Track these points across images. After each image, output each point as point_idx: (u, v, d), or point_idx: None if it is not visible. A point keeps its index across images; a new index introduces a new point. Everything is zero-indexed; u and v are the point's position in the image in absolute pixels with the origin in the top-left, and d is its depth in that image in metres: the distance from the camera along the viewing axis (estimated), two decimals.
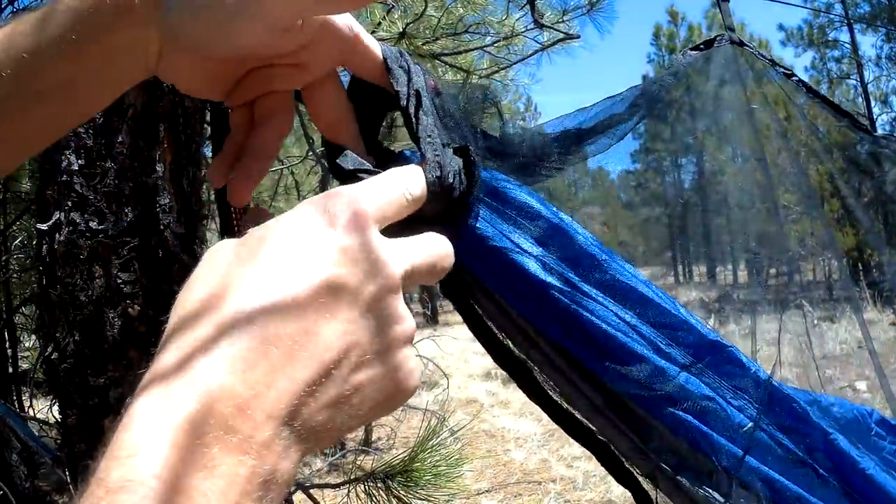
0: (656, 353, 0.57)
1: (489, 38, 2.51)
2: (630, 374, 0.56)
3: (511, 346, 0.60)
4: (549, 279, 0.55)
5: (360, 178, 0.38)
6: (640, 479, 0.61)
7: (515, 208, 0.56)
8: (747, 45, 0.83)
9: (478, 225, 0.54)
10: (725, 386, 0.59)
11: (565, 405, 0.60)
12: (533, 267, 0.55)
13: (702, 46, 0.80)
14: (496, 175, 0.56)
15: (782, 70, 0.84)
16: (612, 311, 0.57)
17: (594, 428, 0.60)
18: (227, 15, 0.32)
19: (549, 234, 0.57)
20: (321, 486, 1.55)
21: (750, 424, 0.58)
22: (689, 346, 0.58)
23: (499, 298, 0.58)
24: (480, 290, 0.58)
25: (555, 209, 0.58)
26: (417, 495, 1.48)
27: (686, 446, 0.57)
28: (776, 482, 0.58)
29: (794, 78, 0.85)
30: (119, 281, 0.84)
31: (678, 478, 0.58)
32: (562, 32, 2.32)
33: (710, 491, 0.57)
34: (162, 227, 0.81)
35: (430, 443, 1.56)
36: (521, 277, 0.55)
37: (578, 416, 0.60)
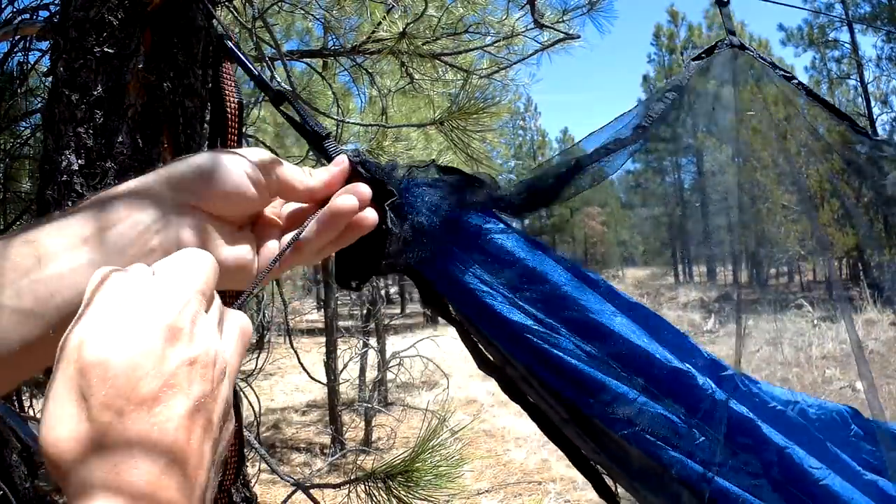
0: (616, 380, 0.63)
1: (489, 38, 2.51)
2: (591, 397, 0.63)
3: (491, 358, 0.69)
4: (517, 317, 0.64)
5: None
6: (605, 477, 0.69)
7: (492, 255, 0.65)
8: (749, 49, 0.83)
9: (453, 269, 0.64)
10: (682, 408, 0.65)
11: (542, 407, 0.68)
12: (502, 307, 0.64)
13: (703, 55, 0.81)
14: (481, 225, 0.65)
15: (782, 73, 0.84)
16: (575, 343, 0.64)
17: (565, 433, 0.68)
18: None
19: (522, 277, 0.65)
20: (321, 486, 1.55)
21: (702, 439, 0.63)
22: (648, 373, 0.64)
23: (477, 326, 0.67)
24: (461, 315, 0.67)
25: (536, 254, 0.66)
26: (418, 495, 1.48)
27: (641, 456, 0.63)
28: (729, 491, 0.63)
29: (794, 80, 0.85)
30: None
31: (634, 482, 0.66)
32: (562, 32, 2.32)
33: (660, 495, 0.64)
34: None
35: (431, 443, 1.56)
36: (493, 315, 0.64)
37: (552, 419, 0.69)
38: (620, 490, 0.71)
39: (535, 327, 0.63)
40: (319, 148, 0.61)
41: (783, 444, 0.64)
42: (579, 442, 0.68)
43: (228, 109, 0.71)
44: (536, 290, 0.64)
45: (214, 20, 0.71)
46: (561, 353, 0.63)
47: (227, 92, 0.71)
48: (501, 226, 0.66)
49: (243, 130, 0.72)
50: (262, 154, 0.51)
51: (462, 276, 0.64)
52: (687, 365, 0.66)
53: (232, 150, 0.50)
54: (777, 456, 0.63)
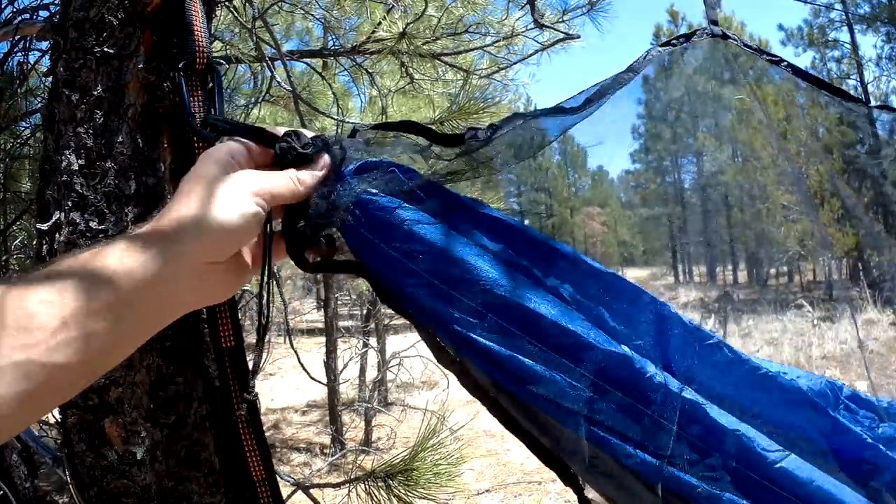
0: (559, 371, 0.61)
1: (489, 38, 2.51)
2: (538, 390, 0.60)
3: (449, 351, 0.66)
4: (439, 306, 0.61)
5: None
6: (569, 466, 0.66)
7: (414, 243, 0.62)
8: (731, 37, 0.80)
9: (382, 253, 0.62)
10: (632, 400, 0.62)
11: (497, 397, 0.65)
12: (423, 296, 0.62)
13: (674, 42, 0.78)
14: (406, 217, 0.63)
15: (768, 57, 0.81)
16: (509, 333, 0.61)
17: (523, 425, 0.65)
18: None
19: (442, 263, 0.62)
20: (321, 486, 1.55)
21: (655, 430, 0.61)
22: (595, 364, 0.61)
23: (430, 328, 0.64)
24: (419, 320, 0.65)
25: (458, 236, 0.64)
26: (418, 494, 1.48)
27: (593, 449, 0.61)
28: (685, 482, 0.61)
29: (783, 63, 0.82)
30: None
31: (588, 474, 0.64)
32: (562, 32, 2.32)
33: (615, 488, 0.63)
34: None
35: (431, 442, 1.56)
36: (420, 306, 0.62)
37: (512, 412, 0.66)
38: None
39: (462, 317, 0.61)
40: (269, 144, 0.62)
41: (733, 427, 0.62)
42: (535, 434, 0.65)
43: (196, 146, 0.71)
44: (474, 296, 0.62)
45: (189, 39, 0.71)
46: (491, 344, 0.61)
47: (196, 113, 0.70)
48: (428, 216, 0.64)
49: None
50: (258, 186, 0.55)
51: (392, 269, 0.62)
52: (637, 356, 0.63)
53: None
54: (732, 443, 0.61)
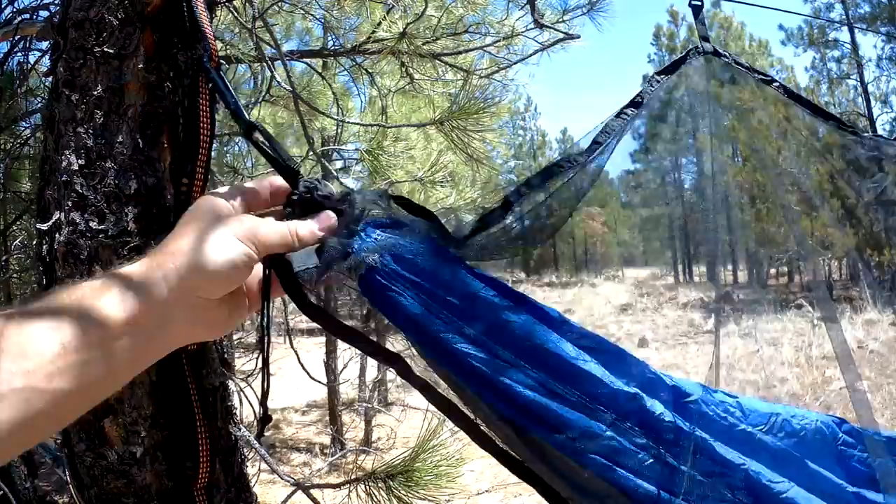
0: (583, 413, 0.61)
1: (489, 38, 2.51)
2: (559, 433, 0.61)
3: (458, 403, 0.66)
4: (464, 348, 0.62)
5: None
6: None
7: (457, 296, 0.63)
8: (723, 55, 0.82)
9: (417, 312, 0.63)
10: (647, 439, 0.63)
11: (509, 450, 0.66)
12: (465, 346, 0.61)
13: (671, 68, 0.79)
14: (450, 267, 0.64)
15: (760, 76, 0.83)
16: (534, 378, 0.61)
17: (534, 470, 0.66)
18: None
19: (485, 319, 0.62)
20: (321, 486, 1.55)
21: (667, 469, 0.62)
22: (615, 406, 0.62)
23: (445, 372, 0.64)
24: (432, 365, 0.66)
25: (501, 297, 0.64)
26: (418, 495, 1.48)
27: (610, 489, 0.61)
28: None
29: (775, 83, 0.84)
30: None
31: None
32: (562, 32, 2.32)
33: None
34: (162, 226, 0.81)
35: (431, 443, 1.56)
36: (458, 357, 0.61)
37: (520, 459, 0.66)
38: None
39: (485, 356, 0.61)
40: (292, 183, 0.61)
41: (739, 462, 0.64)
42: (546, 475, 0.66)
43: (202, 135, 0.70)
44: (501, 332, 0.62)
45: (202, 36, 0.70)
46: (526, 391, 0.61)
47: (202, 115, 0.70)
48: (451, 257, 0.65)
49: (211, 156, 0.73)
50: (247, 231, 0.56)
51: (424, 320, 0.62)
52: (645, 395, 0.64)
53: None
54: (740, 477, 0.63)
